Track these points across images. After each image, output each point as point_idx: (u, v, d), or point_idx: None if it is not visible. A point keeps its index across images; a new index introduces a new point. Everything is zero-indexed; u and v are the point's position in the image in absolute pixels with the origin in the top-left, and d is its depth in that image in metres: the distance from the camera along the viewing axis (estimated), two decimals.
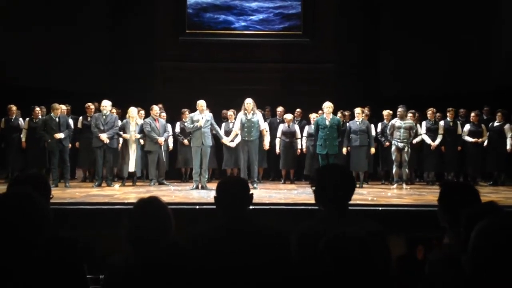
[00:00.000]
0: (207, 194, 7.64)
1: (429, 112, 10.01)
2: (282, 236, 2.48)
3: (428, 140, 9.94)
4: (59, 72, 11.64)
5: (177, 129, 10.22)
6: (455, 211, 2.37)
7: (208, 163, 8.96)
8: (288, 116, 10.24)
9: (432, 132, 9.96)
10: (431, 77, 12.10)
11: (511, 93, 10.58)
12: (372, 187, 9.36)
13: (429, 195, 7.73)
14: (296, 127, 10.30)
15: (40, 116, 9.77)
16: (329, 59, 12.70)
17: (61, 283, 1.93)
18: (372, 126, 9.77)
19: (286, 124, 10.23)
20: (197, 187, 8.71)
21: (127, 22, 12.51)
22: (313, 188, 2.57)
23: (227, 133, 9.58)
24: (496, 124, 9.90)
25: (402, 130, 9.20)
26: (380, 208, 6.54)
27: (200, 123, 8.67)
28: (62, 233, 2.18)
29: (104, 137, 9.03)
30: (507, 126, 9.75)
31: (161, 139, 9.40)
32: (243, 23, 13.01)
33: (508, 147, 9.68)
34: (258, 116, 9.00)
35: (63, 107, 9.72)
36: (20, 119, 9.96)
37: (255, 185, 8.81)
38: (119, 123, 9.34)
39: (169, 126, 9.93)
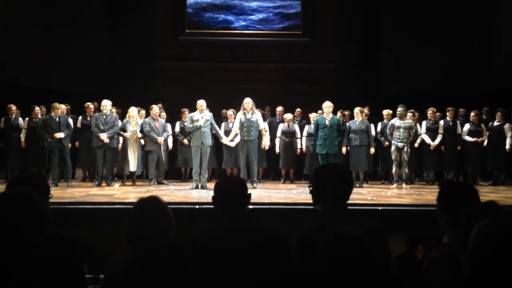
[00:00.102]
0: (207, 194, 7.64)
1: (429, 112, 10.00)
2: (281, 236, 2.48)
3: (427, 139, 9.94)
4: (59, 72, 11.64)
5: (177, 129, 10.22)
6: (454, 210, 2.37)
7: (208, 162, 8.96)
8: (288, 116, 10.24)
9: (432, 131, 9.96)
10: (431, 77, 12.10)
11: (511, 93, 10.57)
12: (372, 187, 9.36)
13: (429, 194, 7.73)
14: (296, 127, 10.30)
15: (40, 116, 9.78)
16: (329, 59, 12.70)
17: (61, 283, 1.93)
18: (372, 125, 9.77)
19: (286, 124, 10.23)
20: (197, 187, 8.71)
21: (127, 22, 12.52)
22: (310, 188, 2.57)
23: (227, 132, 9.58)
24: (496, 123, 9.90)
25: (401, 130, 9.21)
26: (380, 208, 6.55)
27: (199, 123, 8.67)
28: (62, 233, 2.18)
29: (104, 136, 9.03)
30: (506, 126, 9.75)
31: (160, 139, 9.40)
32: (243, 23, 13.01)
33: (507, 146, 9.68)
34: (257, 116, 9.00)
35: (63, 106, 9.72)
36: (20, 118, 9.96)
37: (254, 184, 8.81)
38: (119, 123, 9.35)
39: (168, 125, 9.93)
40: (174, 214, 2.32)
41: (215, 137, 9.48)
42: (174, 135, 10.19)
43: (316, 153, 9.27)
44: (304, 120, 10.59)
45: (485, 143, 9.97)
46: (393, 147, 9.32)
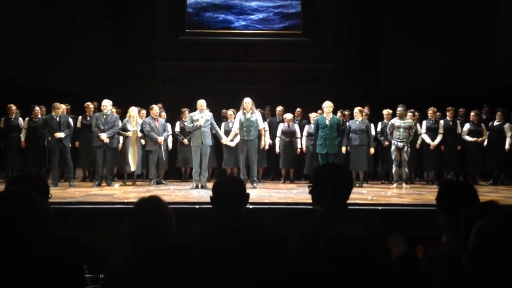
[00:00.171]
0: (207, 194, 7.63)
1: (430, 112, 10.01)
2: (279, 236, 2.48)
3: (427, 139, 9.94)
4: (59, 72, 11.63)
5: (177, 129, 10.23)
6: (453, 210, 2.37)
7: (208, 162, 8.96)
8: (288, 116, 10.25)
9: (432, 131, 9.96)
10: (431, 77, 12.10)
11: (511, 93, 10.57)
12: (372, 187, 9.36)
13: (429, 194, 7.73)
14: (296, 127, 10.30)
15: (39, 116, 9.78)
16: (329, 59, 12.69)
17: (60, 283, 1.93)
18: (372, 125, 9.77)
19: (286, 124, 10.24)
20: (196, 187, 8.72)
21: (127, 22, 12.51)
22: (310, 188, 2.57)
23: (227, 132, 9.58)
24: (495, 123, 9.90)
25: (401, 130, 9.21)
26: (380, 208, 6.55)
27: (199, 123, 8.68)
28: (62, 233, 2.18)
29: (103, 136, 9.03)
30: (506, 126, 9.75)
31: (160, 139, 9.40)
32: (243, 23, 13.01)
33: (506, 146, 9.68)
34: (256, 116, 9.01)
35: (63, 106, 9.72)
36: (20, 118, 9.96)
37: (255, 184, 8.82)
38: (120, 123, 9.34)
39: (168, 125, 9.93)
40: (174, 214, 2.32)
41: (215, 137, 9.48)
42: (174, 135, 10.19)
43: (316, 153, 9.28)
44: (304, 120, 10.59)
45: (485, 143, 9.97)
46: (393, 147, 9.32)
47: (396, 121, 9.30)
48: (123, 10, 12.69)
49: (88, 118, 9.79)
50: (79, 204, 6.65)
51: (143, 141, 9.46)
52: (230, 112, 10.18)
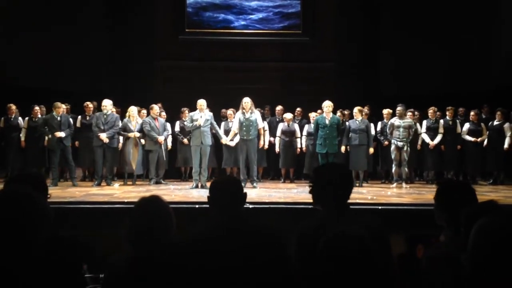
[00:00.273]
0: (206, 193, 7.56)
1: (430, 111, 10.00)
2: (277, 235, 2.48)
3: (427, 139, 9.95)
4: (59, 72, 11.64)
5: (177, 128, 10.23)
6: (451, 209, 2.38)
7: (207, 162, 8.97)
8: (288, 115, 10.25)
9: (432, 131, 9.96)
10: (431, 77, 12.10)
11: (511, 93, 10.57)
12: (372, 186, 9.37)
13: (429, 194, 7.73)
14: (296, 126, 10.31)
15: (39, 115, 9.78)
16: (329, 59, 12.68)
17: (60, 282, 1.93)
18: (372, 125, 9.77)
19: (285, 123, 10.24)
20: (196, 186, 8.72)
21: (127, 22, 12.51)
22: (311, 187, 2.57)
23: (227, 132, 9.58)
24: (495, 123, 9.90)
25: (401, 129, 9.21)
26: (380, 207, 6.55)
27: (199, 122, 8.68)
28: (62, 233, 2.18)
29: (103, 136, 9.03)
30: (506, 125, 9.75)
31: (161, 138, 9.40)
32: (242, 22, 13.00)
33: (505, 146, 9.68)
34: (256, 115, 9.01)
35: (63, 106, 9.73)
36: (20, 118, 9.96)
37: (254, 184, 8.82)
38: (120, 123, 9.34)
39: (168, 125, 9.93)
40: (174, 213, 2.32)
41: (215, 137, 9.48)
42: (173, 134, 10.19)
43: (316, 153, 9.28)
44: (304, 120, 10.59)
45: (485, 142, 9.97)
46: (392, 147, 9.32)
47: (395, 121, 9.30)
48: (123, 10, 12.69)
49: (88, 118, 9.80)
50: (79, 204, 6.65)
51: (142, 141, 9.46)
52: (230, 111, 10.18)
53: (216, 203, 2.52)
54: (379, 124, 10.06)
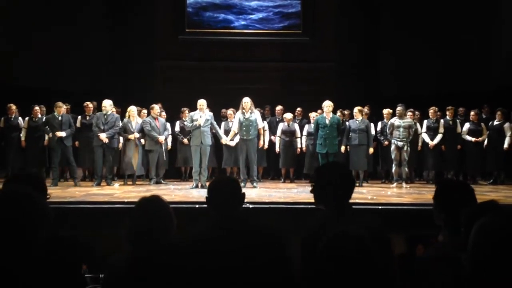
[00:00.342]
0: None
1: (431, 111, 10.00)
2: (276, 235, 2.47)
3: (427, 139, 9.95)
4: (59, 72, 11.64)
5: (177, 128, 10.23)
6: (450, 209, 2.38)
7: (207, 162, 8.97)
8: (288, 115, 10.25)
9: (432, 131, 9.96)
10: (431, 77, 12.10)
11: (511, 93, 10.57)
12: (372, 186, 9.37)
13: (429, 194, 7.71)
14: (296, 126, 10.31)
15: (39, 115, 9.78)
16: (329, 59, 12.68)
17: (60, 282, 1.93)
18: (372, 125, 9.77)
19: (285, 123, 10.24)
20: (196, 186, 8.72)
21: (127, 22, 12.51)
22: (312, 187, 2.57)
23: (227, 132, 9.59)
24: (495, 123, 9.90)
25: (401, 129, 9.21)
26: (380, 207, 6.55)
27: (199, 122, 8.68)
28: (62, 233, 2.18)
29: (103, 136, 9.02)
30: (506, 125, 9.75)
31: (161, 138, 9.40)
32: (242, 22, 13.00)
33: (505, 145, 9.68)
34: (256, 115, 9.01)
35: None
36: (20, 118, 9.96)
37: (254, 184, 8.82)
38: (120, 123, 9.33)
39: (168, 125, 9.93)
40: (174, 213, 2.32)
41: (215, 137, 9.48)
42: (174, 134, 10.19)
43: (316, 152, 9.28)
44: (304, 120, 10.59)
45: (485, 142, 9.97)
46: (393, 146, 9.32)
47: (395, 121, 9.30)
48: (123, 10, 12.69)
49: (88, 118, 9.80)
50: (79, 204, 6.65)
51: (142, 141, 9.46)
52: (230, 111, 10.18)
53: (214, 204, 2.52)
54: (379, 124, 10.06)
